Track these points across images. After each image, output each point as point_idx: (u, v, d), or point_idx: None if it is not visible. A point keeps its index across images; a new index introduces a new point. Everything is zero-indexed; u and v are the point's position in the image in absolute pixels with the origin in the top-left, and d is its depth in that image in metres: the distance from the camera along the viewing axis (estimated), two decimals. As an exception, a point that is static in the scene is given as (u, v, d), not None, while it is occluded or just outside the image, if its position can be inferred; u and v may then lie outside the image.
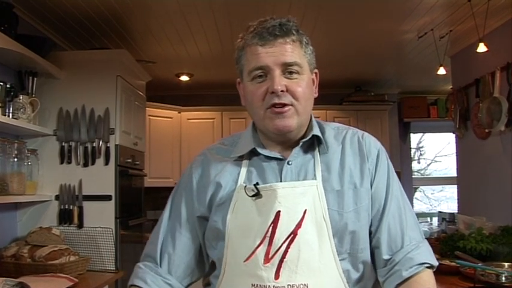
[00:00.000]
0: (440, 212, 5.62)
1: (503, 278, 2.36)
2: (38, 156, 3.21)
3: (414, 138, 7.38)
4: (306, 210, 1.23)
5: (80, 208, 3.29)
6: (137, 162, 3.89)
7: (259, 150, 1.33)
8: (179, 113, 5.75)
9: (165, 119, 5.62)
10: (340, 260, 1.23)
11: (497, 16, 3.47)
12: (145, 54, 4.51)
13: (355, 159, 1.33)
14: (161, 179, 5.42)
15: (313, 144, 1.34)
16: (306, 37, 1.33)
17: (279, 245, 1.21)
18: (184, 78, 5.45)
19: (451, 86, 4.69)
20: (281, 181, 1.28)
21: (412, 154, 7.33)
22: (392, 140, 6.05)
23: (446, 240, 3.17)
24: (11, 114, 2.86)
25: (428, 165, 8.96)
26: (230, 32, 3.94)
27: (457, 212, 4.49)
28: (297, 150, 1.32)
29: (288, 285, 1.19)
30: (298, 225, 1.22)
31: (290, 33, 1.27)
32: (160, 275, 1.35)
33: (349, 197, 1.27)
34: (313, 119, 1.38)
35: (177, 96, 5.93)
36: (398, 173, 5.06)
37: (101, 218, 3.30)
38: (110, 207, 3.34)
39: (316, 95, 1.38)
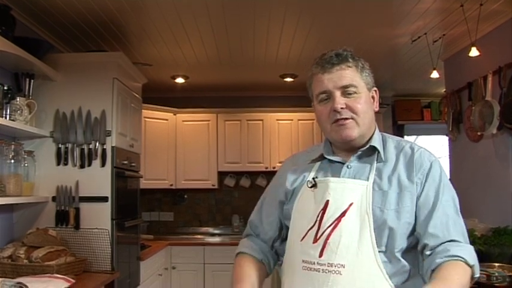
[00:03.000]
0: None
1: (494, 278, 2.40)
2: (35, 157, 3.22)
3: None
4: (352, 203, 1.46)
5: (77, 209, 3.31)
6: (133, 164, 3.92)
7: (326, 155, 1.61)
8: (175, 115, 5.77)
9: (161, 121, 5.64)
10: (379, 251, 1.41)
11: (489, 21, 3.52)
12: (142, 56, 4.53)
13: (405, 168, 1.52)
14: (157, 181, 5.45)
15: (373, 153, 1.56)
16: (362, 62, 1.58)
17: (325, 228, 1.45)
18: (180, 80, 5.46)
19: (444, 89, 4.73)
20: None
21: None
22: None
23: (439, 242, 3.21)
24: (8, 116, 2.88)
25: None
26: (226, 35, 3.97)
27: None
28: (355, 156, 1.57)
29: (328, 263, 1.41)
30: (343, 214, 1.45)
31: (346, 60, 1.53)
32: (257, 243, 1.68)
33: (393, 198, 1.47)
34: (377, 131, 1.62)
35: (172, 99, 5.95)
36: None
37: (97, 219, 3.32)
38: (106, 208, 3.36)
39: (376, 110, 1.63)
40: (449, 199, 1.50)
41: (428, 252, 1.43)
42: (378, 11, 3.52)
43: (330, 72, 1.53)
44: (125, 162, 3.68)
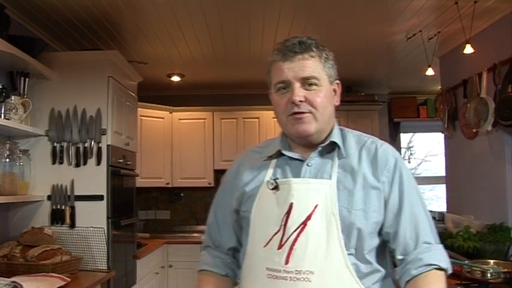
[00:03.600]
0: (430, 211, 5.65)
1: (489, 275, 2.41)
2: (30, 156, 3.21)
3: (404, 138, 7.43)
4: (317, 205, 1.37)
5: (72, 208, 3.31)
6: (129, 163, 3.91)
7: (284, 151, 1.50)
8: (170, 113, 5.77)
9: (157, 119, 5.64)
10: (348, 254, 1.36)
11: (483, 18, 3.53)
12: (137, 55, 4.53)
13: (370, 165, 1.46)
14: (153, 179, 5.44)
15: (333, 149, 1.48)
16: (326, 52, 1.48)
17: (290, 233, 1.36)
18: (175, 78, 5.46)
19: (439, 87, 4.74)
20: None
21: (403, 154, 7.38)
22: (382, 139, 6.06)
23: (435, 239, 3.22)
24: (2, 115, 2.87)
25: (419, 164, 9.03)
26: (221, 32, 3.97)
27: (446, 211, 4.54)
28: (315, 153, 1.48)
29: (296, 270, 1.33)
30: (308, 217, 1.36)
31: (309, 49, 1.44)
32: (219, 256, 1.59)
33: (359, 197, 1.40)
34: (336, 126, 1.54)
35: (168, 97, 5.94)
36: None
37: (93, 218, 3.31)
38: (101, 207, 3.36)
39: (337, 103, 1.54)
40: (416, 196, 1.47)
41: (400, 257, 1.42)
42: (372, 9, 3.52)
43: (291, 61, 1.42)
44: (121, 160, 3.68)
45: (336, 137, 1.49)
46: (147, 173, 5.24)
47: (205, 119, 5.81)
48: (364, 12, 3.60)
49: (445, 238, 3.10)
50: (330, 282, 1.33)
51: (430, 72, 4.04)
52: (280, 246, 1.36)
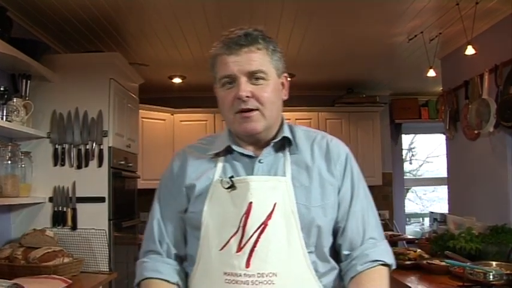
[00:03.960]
0: (431, 212, 5.67)
1: (491, 277, 2.40)
2: (32, 158, 3.22)
3: (406, 139, 7.45)
4: (276, 204, 1.32)
5: (74, 210, 3.31)
6: (130, 164, 3.91)
7: (234, 147, 1.42)
8: (172, 115, 5.77)
9: (158, 121, 5.64)
10: (308, 252, 1.33)
11: (485, 19, 3.52)
12: (138, 56, 4.53)
13: (324, 160, 1.43)
14: (154, 181, 5.36)
15: (284, 144, 1.43)
16: (273, 44, 1.40)
17: (250, 234, 1.29)
18: (177, 80, 5.46)
19: (441, 88, 4.74)
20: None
21: (404, 155, 7.39)
22: (384, 141, 6.10)
23: (437, 240, 3.22)
24: (4, 117, 2.87)
25: (420, 166, 9.03)
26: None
27: (447, 212, 4.54)
28: (267, 150, 1.41)
29: (258, 273, 1.27)
30: (269, 217, 1.30)
31: (255, 42, 1.36)
32: (168, 263, 1.44)
33: (317, 193, 1.37)
34: (285, 121, 1.48)
35: (169, 99, 5.95)
36: (390, 174, 5.11)
37: (95, 219, 3.31)
38: (103, 209, 3.36)
39: (285, 97, 1.47)
40: (364, 191, 1.46)
41: (346, 253, 1.40)
42: (374, 10, 3.52)
43: (237, 55, 1.35)
44: (122, 162, 3.68)
45: (287, 133, 1.44)
46: (149, 175, 5.22)
47: (206, 120, 5.81)
48: (366, 14, 3.59)
49: (447, 239, 3.10)
50: (293, 283, 1.29)
51: (431, 73, 4.04)
52: (239, 249, 1.29)
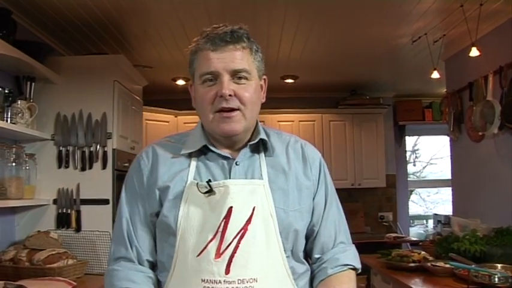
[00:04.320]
0: (435, 214, 5.65)
1: (496, 279, 2.40)
2: (36, 160, 3.23)
3: (409, 141, 7.43)
4: (254, 207, 1.28)
5: (78, 212, 3.31)
6: (134, 166, 3.90)
7: (211, 147, 1.37)
8: (176, 117, 5.78)
9: (162, 123, 5.65)
10: (286, 256, 1.32)
11: (489, 20, 3.52)
12: (142, 59, 4.54)
13: (299, 163, 1.42)
14: (158, 183, 5.43)
15: (259, 147, 1.40)
16: (256, 44, 1.39)
17: (230, 239, 1.24)
18: (180, 82, 5.47)
19: (445, 90, 4.73)
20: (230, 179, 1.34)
21: (408, 157, 7.38)
22: (387, 143, 6.09)
23: (441, 242, 3.21)
24: (9, 119, 2.88)
25: (424, 167, 9.01)
26: (226, 36, 3.97)
27: (452, 214, 4.52)
28: (244, 151, 1.37)
29: (238, 279, 1.23)
30: (248, 221, 1.27)
31: (240, 40, 1.33)
32: (141, 270, 1.35)
33: (294, 197, 1.35)
34: (259, 123, 1.44)
35: (173, 101, 5.94)
36: (393, 176, 5.11)
37: (99, 221, 3.31)
38: (107, 211, 3.35)
39: (263, 100, 1.44)
40: (335, 196, 1.47)
41: (317, 256, 1.41)
42: (378, 12, 3.52)
43: (222, 51, 1.31)
44: (126, 164, 3.68)
45: (263, 135, 1.40)
46: (153, 177, 5.24)
47: (210, 122, 5.80)
48: (370, 16, 3.59)
49: (452, 241, 3.09)
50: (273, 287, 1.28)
51: (435, 75, 4.03)
52: (218, 255, 1.23)
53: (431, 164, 8.92)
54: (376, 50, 4.43)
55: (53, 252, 2.89)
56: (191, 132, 1.45)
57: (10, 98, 2.90)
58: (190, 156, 1.38)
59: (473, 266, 2.62)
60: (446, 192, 7.88)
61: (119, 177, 3.49)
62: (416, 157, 8.76)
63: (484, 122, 3.65)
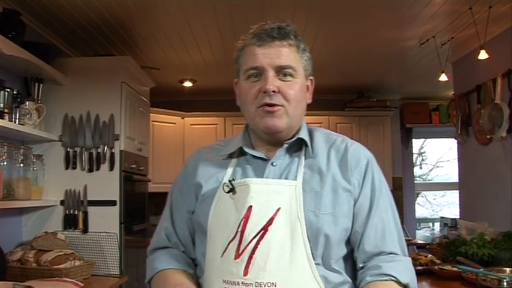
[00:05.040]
0: (442, 217, 5.63)
1: (505, 283, 2.38)
2: (44, 161, 3.24)
3: (416, 143, 7.40)
4: (279, 208, 1.23)
5: (85, 213, 3.32)
6: (141, 168, 3.92)
7: (246, 149, 1.36)
8: (182, 118, 5.79)
9: (169, 124, 5.66)
10: (316, 264, 1.22)
11: (498, 23, 3.50)
12: (150, 60, 4.55)
13: (340, 166, 1.32)
14: (165, 184, 5.40)
15: (301, 147, 1.35)
16: (304, 44, 1.37)
17: (249, 240, 1.20)
18: (187, 84, 5.48)
19: (452, 92, 4.71)
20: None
21: (414, 159, 7.35)
22: (394, 145, 6.07)
23: (448, 246, 3.19)
24: (17, 120, 2.90)
25: (431, 170, 8.98)
26: (233, 38, 3.94)
27: (458, 217, 4.50)
28: (280, 151, 1.34)
29: (256, 282, 1.17)
30: (269, 222, 1.21)
31: (287, 37, 1.31)
32: (181, 255, 1.40)
33: (328, 200, 1.26)
34: (304, 123, 1.41)
35: (180, 102, 5.96)
36: (400, 179, 5.06)
37: (106, 223, 3.32)
38: (114, 212, 3.36)
39: (309, 101, 1.41)
40: (387, 202, 1.33)
41: (361, 265, 1.28)
42: (386, 14, 3.51)
43: (268, 47, 1.29)
44: (133, 166, 3.69)
45: (303, 134, 1.35)
46: (159, 178, 5.24)
47: (217, 124, 5.81)
48: (377, 18, 3.59)
49: (459, 245, 3.07)
50: None
51: (443, 78, 4.02)
52: (238, 256, 1.19)
53: (437, 166, 8.89)
54: (384, 52, 4.42)
55: (60, 253, 2.90)
56: (236, 136, 1.45)
57: (18, 99, 2.92)
58: (231, 158, 1.38)
59: (481, 269, 2.60)
60: (453, 195, 7.85)
61: (126, 179, 3.50)
62: (422, 160, 8.73)
63: (492, 125, 3.63)
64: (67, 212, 3.31)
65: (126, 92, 3.51)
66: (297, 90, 1.31)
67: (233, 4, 3.32)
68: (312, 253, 1.21)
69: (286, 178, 1.30)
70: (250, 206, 1.23)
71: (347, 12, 3.48)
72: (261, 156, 1.35)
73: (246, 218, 1.22)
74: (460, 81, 4.44)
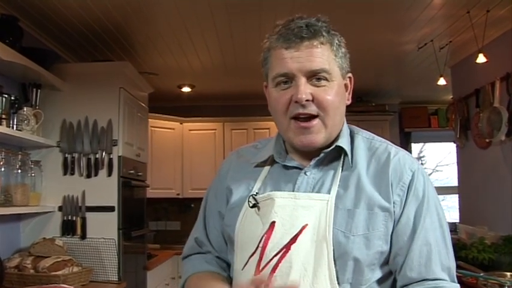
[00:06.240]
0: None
1: (506, 288, 2.37)
2: (42, 167, 3.23)
3: (415, 148, 7.39)
4: (306, 226, 1.12)
5: (83, 219, 3.30)
6: (140, 174, 3.91)
7: (276, 159, 1.25)
8: (181, 124, 5.78)
9: (167, 130, 5.65)
10: None
11: (496, 27, 3.50)
12: (148, 66, 4.54)
13: (379, 179, 1.17)
14: (163, 190, 5.44)
15: (339, 155, 1.21)
16: (338, 37, 1.23)
17: (270, 257, 1.11)
18: (186, 89, 5.47)
19: (451, 96, 4.71)
20: (293, 191, 1.19)
21: (413, 164, 7.33)
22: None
23: (448, 250, 3.17)
24: (15, 126, 2.89)
25: (430, 174, 8.97)
26: (231, 43, 3.98)
27: (458, 221, 4.49)
28: (316, 160, 1.21)
29: None
30: (293, 240, 1.11)
31: (318, 34, 1.16)
32: (216, 261, 1.34)
33: (361, 220, 1.12)
34: (345, 127, 1.27)
35: (179, 108, 5.96)
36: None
37: (104, 229, 3.31)
38: (112, 218, 3.35)
39: (349, 102, 1.26)
40: (435, 222, 1.16)
41: (401, 285, 1.15)
42: (384, 18, 3.51)
43: (297, 49, 1.14)
44: (132, 171, 3.68)
45: (343, 142, 1.21)
46: (158, 184, 5.24)
47: (215, 129, 5.81)
48: (375, 22, 3.59)
49: (459, 249, 3.06)
50: None
51: (442, 82, 4.02)
52: (258, 272, 1.11)
53: (437, 171, 8.88)
54: (382, 56, 4.42)
55: (58, 260, 2.89)
56: (273, 138, 1.32)
57: (16, 105, 2.91)
58: (264, 164, 1.28)
59: (481, 274, 2.59)
60: (452, 199, 7.82)
61: (125, 184, 3.49)
62: (422, 164, 8.72)
63: (491, 129, 3.63)
64: (65, 218, 3.30)
65: (124, 98, 3.51)
66: (333, 95, 1.16)
67: (231, 10, 3.32)
68: (337, 277, 1.09)
69: (318, 191, 1.17)
70: (273, 222, 1.13)
71: (345, 16, 3.47)
72: (295, 165, 1.23)
73: (268, 234, 1.13)
74: (459, 85, 4.44)
